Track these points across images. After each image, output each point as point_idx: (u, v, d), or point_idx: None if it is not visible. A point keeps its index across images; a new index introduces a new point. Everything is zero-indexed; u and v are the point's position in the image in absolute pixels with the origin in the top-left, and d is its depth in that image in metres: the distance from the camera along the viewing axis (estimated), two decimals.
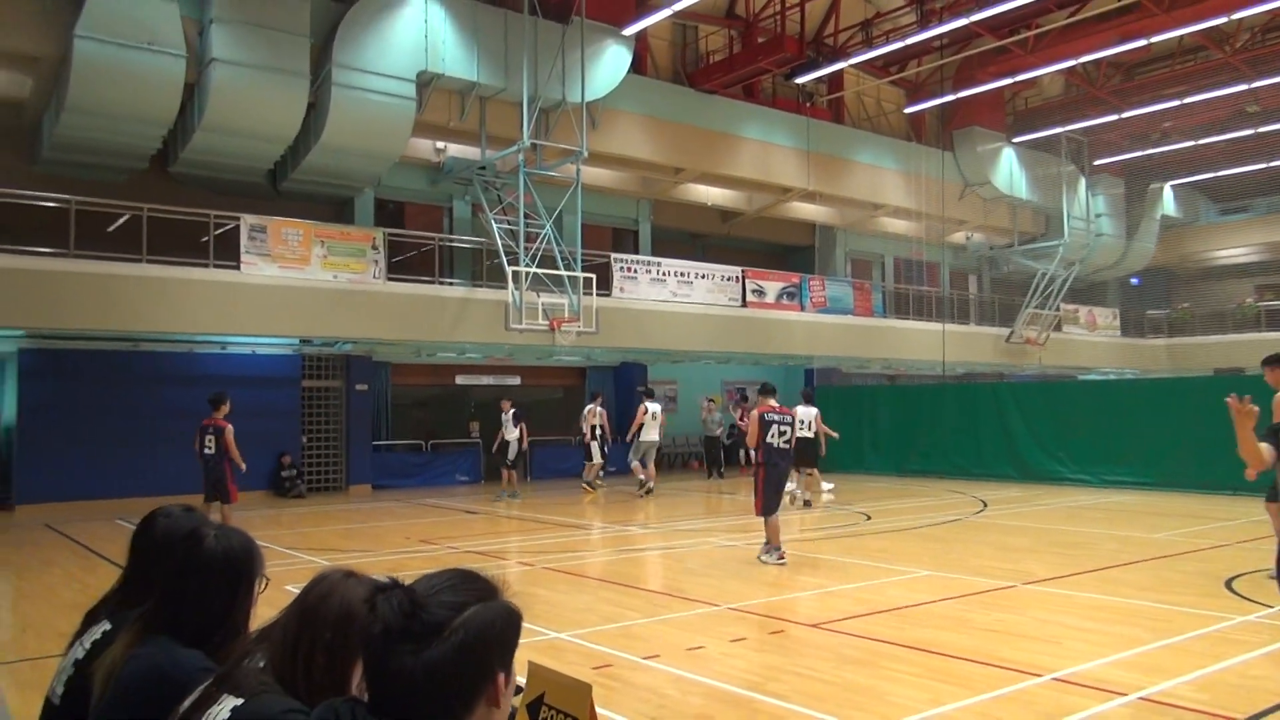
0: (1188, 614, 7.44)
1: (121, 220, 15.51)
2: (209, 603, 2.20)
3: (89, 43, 14.17)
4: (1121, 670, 5.87)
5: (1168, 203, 32.61)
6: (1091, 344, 30.46)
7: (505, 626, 1.51)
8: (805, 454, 14.92)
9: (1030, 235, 29.81)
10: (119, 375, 17.06)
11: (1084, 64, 24.30)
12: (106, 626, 2.56)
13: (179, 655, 2.10)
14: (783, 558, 10.04)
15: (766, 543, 10.22)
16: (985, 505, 15.68)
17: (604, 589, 9.00)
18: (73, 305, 14.32)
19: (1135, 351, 31.78)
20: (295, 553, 11.17)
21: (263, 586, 2.32)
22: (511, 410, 17.62)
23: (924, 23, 21.83)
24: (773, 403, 10.58)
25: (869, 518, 14.24)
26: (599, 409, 19.09)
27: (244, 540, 2.32)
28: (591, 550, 11.90)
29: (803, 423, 15.06)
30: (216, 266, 15.61)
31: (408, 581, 1.53)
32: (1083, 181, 29.04)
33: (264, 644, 1.96)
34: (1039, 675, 5.74)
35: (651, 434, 17.97)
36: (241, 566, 2.26)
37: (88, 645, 2.53)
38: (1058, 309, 28.05)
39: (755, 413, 10.57)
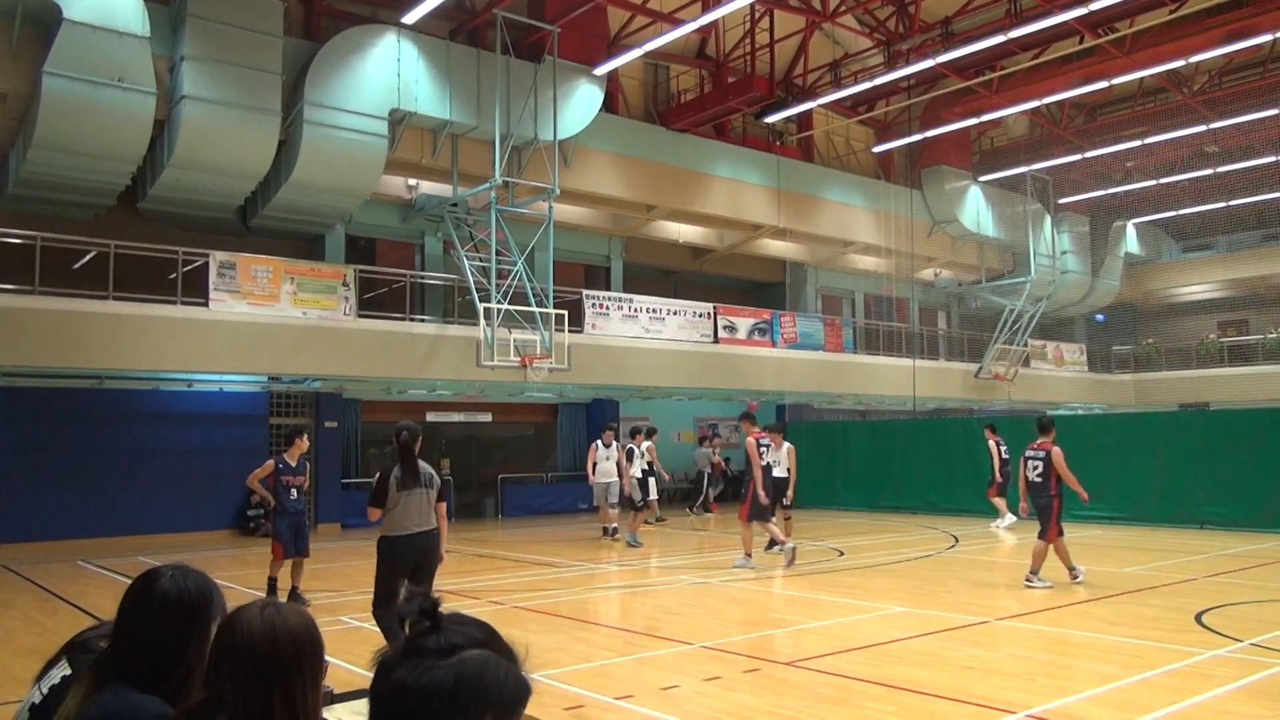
0: (1160, 649, 7.46)
1: (88, 257, 15.34)
2: (161, 643, 2.14)
3: (58, 79, 14.08)
4: (1095, 707, 5.86)
5: (1131, 240, 33.21)
6: (1059, 379, 30.81)
7: (513, 689, 1.38)
8: (780, 493, 14.00)
9: (998, 272, 30.21)
10: (83, 414, 16.79)
11: (1048, 105, 24.82)
12: (66, 671, 2.48)
13: (135, 701, 2.04)
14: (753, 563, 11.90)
15: (746, 554, 12.06)
16: (957, 540, 15.72)
17: (578, 628, 8.90)
18: (37, 343, 14.10)
19: (1102, 387, 32.17)
20: (259, 593, 10.95)
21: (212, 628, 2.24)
22: (615, 442, 16.34)
23: (891, 64, 22.21)
24: (758, 429, 12.44)
25: (842, 554, 14.22)
26: (649, 444, 17.28)
27: (201, 580, 2.26)
28: (565, 589, 11.78)
29: (776, 462, 14.36)
30: (185, 304, 15.45)
31: None
32: (1048, 219, 29.52)
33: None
34: (1013, 712, 5.72)
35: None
36: (195, 606, 2.20)
37: (45, 690, 2.45)
38: (1025, 345, 28.37)
39: (750, 440, 12.56)
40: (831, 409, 28.13)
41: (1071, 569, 10.66)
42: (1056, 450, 10.66)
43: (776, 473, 14.38)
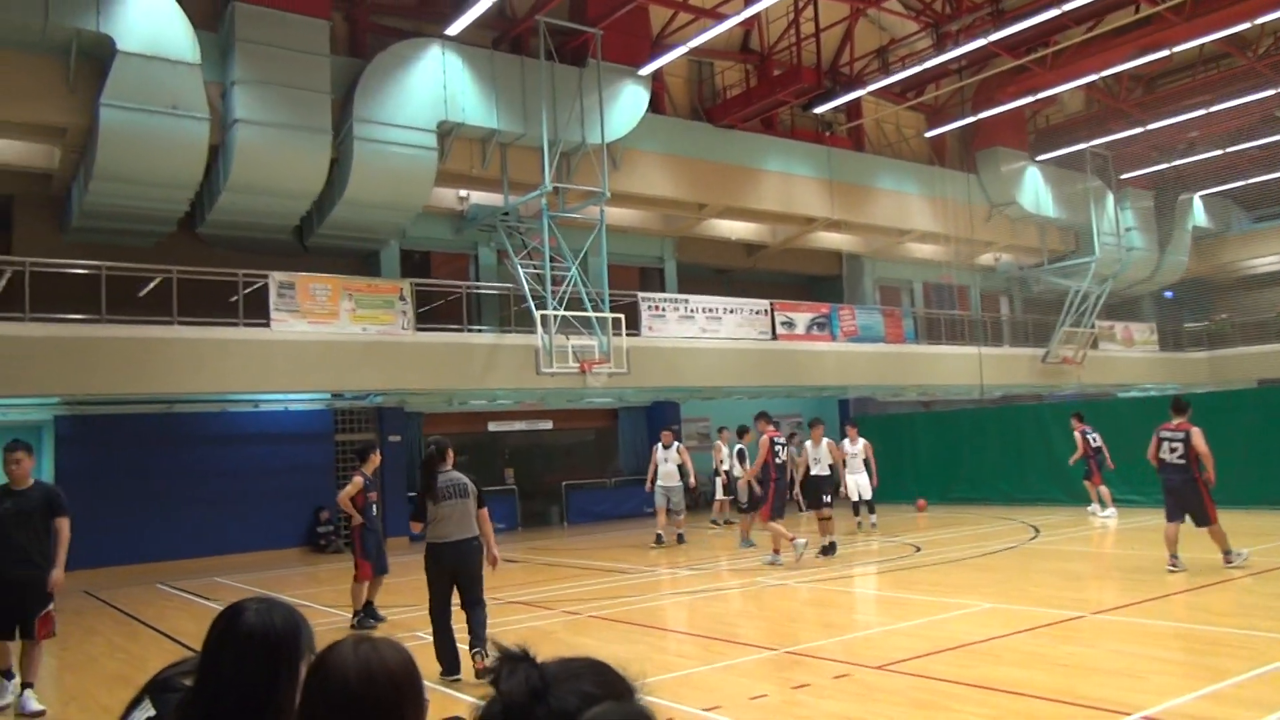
0: (1274, 640, 7.04)
1: (152, 284, 15.57)
2: (248, 683, 2.00)
3: (114, 110, 14.32)
4: (1216, 705, 5.52)
5: (1198, 213, 32.14)
6: (1130, 360, 29.90)
7: None
8: (816, 491, 13.82)
9: (1060, 253, 29.43)
10: (153, 438, 17.05)
11: (1105, 78, 24.06)
12: (150, 712, 2.35)
13: None
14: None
15: (775, 550, 12.49)
16: (1038, 531, 15.24)
17: (655, 636, 8.72)
18: (106, 370, 14.32)
19: (1175, 366, 31.15)
20: (336, 610, 10.95)
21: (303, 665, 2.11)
22: (676, 443, 15.89)
23: (940, 46, 21.73)
24: (773, 429, 12.86)
25: (919, 549, 13.85)
26: (741, 446, 17.13)
27: (287, 614, 2.12)
28: (636, 595, 11.61)
29: (815, 459, 14.09)
30: (247, 325, 15.60)
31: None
32: (1110, 196, 28.69)
33: None
34: (1126, 714, 5.40)
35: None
36: (282, 642, 2.05)
37: None
38: (1093, 326, 27.57)
39: (765, 438, 12.59)
40: (895, 401, 27.61)
41: (1227, 552, 10.19)
42: (1196, 430, 10.16)
43: (816, 470, 14.11)
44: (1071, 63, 22.34)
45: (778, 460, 12.63)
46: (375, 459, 10.29)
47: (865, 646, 7.75)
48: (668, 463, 15.77)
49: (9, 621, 6.96)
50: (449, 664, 7.40)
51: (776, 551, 12.71)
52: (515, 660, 1.31)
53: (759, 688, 6.50)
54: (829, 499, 13.79)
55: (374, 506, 10.24)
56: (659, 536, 15.61)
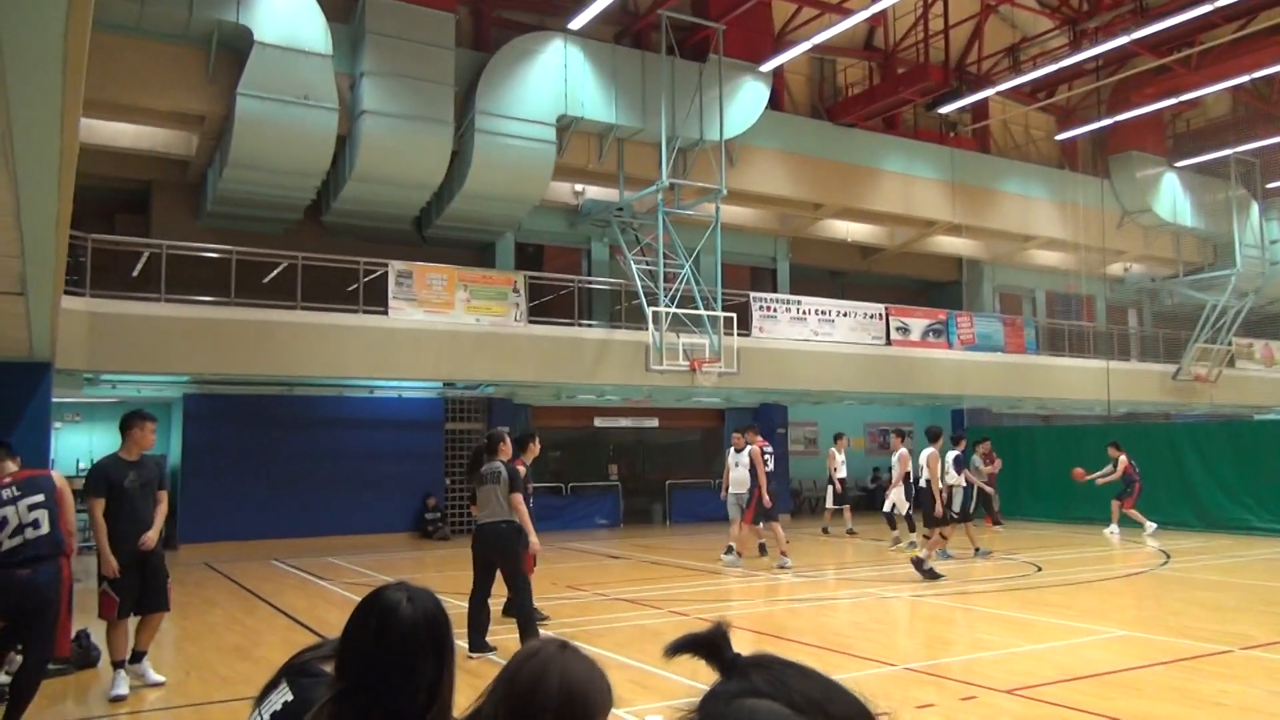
0: None
1: (278, 270, 16.05)
2: (417, 679, 1.88)
3: (250, 100, 14.79)
4: None
5: None
6: (1269, 380, 28.11)
7: None
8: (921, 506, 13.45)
9: (1196, 265, 27.89)
10: (273, 419, 17.57)
11: (1254, 80, 22.65)
12: (288, 696, 2.25)
13: None
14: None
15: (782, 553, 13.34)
16: (1169, 557, 14.38)
17: (767, 645, 8.46)
18: (233, 351, 14.81)
19: None
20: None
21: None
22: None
23: (1075, 45, 20.79)
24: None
25: (1040, 569, 13.22)
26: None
27: (435, 601, 2.01)
28: (743, 600, 11.37)
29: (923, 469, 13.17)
30: (366, 312, 15.93)
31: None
32: (1255, 206, 27.04)
33: None
34: None
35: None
36: (444, 631, 1.95)
37: (266, 716, 2.24)
38: (1229, 343, 26.02)
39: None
40: (1011, 414, 26.58)
41: None
42: None
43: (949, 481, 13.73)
44: (1219, 63, 21.13)
45: (766, 469, 13.55)
46: (534, 448, 9.64)
47: (992, 668, 7.34)
48: (739, 468, 14.07)
49: (133, 597, 6.92)
50: (470, 640, 7.80)
51: (784, 554, 13.44)
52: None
53: (881, 706, 6.19)
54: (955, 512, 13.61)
55: (530, 498, 9.52)
56: (730, 547, 14.12)
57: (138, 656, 7.16)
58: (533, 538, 8.05)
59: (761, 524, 13.78)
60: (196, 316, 14.68)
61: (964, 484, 14.19)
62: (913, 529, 15.72)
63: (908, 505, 15.45)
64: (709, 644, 1.16)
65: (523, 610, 8.00)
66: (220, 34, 14.93)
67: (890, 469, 16.07)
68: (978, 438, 18.22)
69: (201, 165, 17.06)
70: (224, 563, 14.74)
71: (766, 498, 13.35)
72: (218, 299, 15.05)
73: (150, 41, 14.75)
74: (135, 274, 15.32)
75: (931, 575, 11.86)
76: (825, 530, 18.67)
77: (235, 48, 15.12)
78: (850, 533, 18.14)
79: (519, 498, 7.98)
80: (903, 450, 15.34)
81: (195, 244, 15.67)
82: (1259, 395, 27.54)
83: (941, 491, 12.99)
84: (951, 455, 14.14)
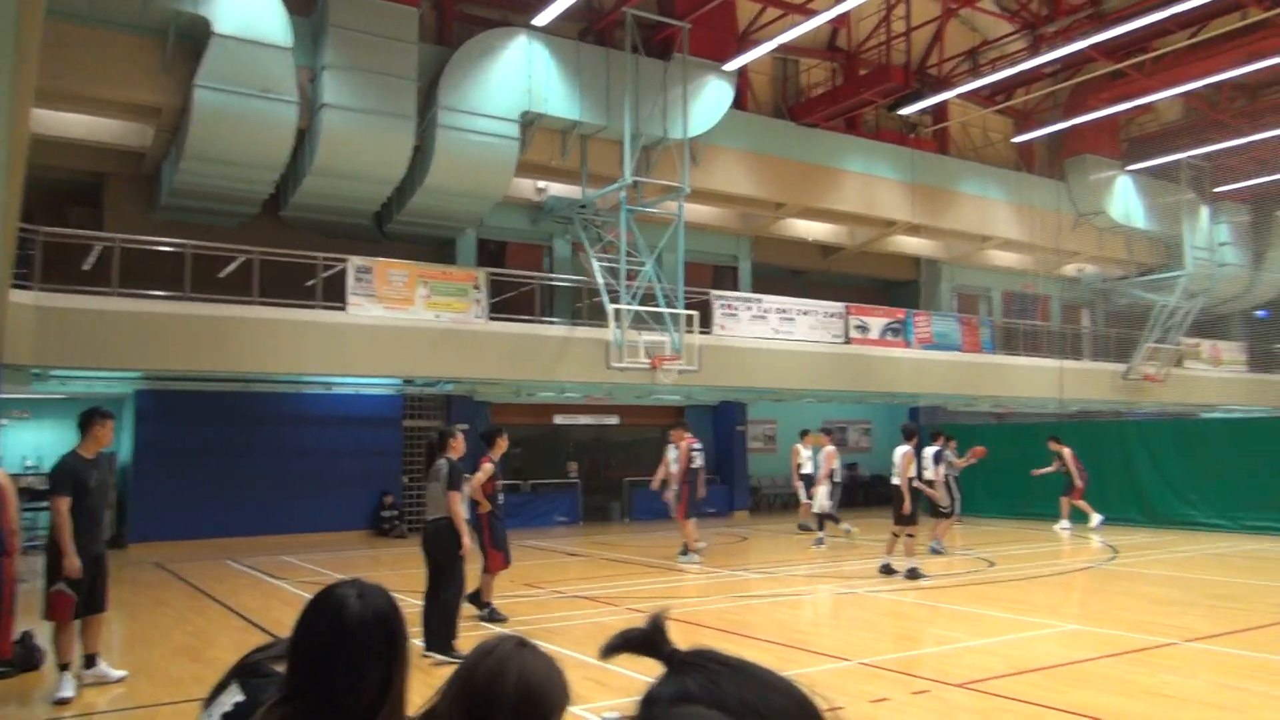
0: None
1: (234, 264, 15.83)
2: (366, 677, 1.87)
3: (208, 92, 14.58)
4: None
5: None
6: (1216, 380, 28.75)
7: None
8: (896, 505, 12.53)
9: (1148, 266, 28.43)
10: (228, 416, 17.35)
11: (1206, 86, 23.14)
12: (239, 697, 2.24)
13: None
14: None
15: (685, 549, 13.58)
16: (1116, 552, 14.68)
17: (723, 640, 8.52)
18: (187, 347, 14.60)
19: (1264, 387, 29.86)
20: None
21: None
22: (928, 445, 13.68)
23: (1034, 49, 21.10)
24: (689, 435, 14.05)
25: (992, 564, 13.43)
26: (831, 449, 16.04)
27: (387, 597, 2.00)
28: (702, 597, 11.43)
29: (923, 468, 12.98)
30: (324, 308, 15.78)
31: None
32: (1205, 209, 27.62)
33: None
34: None
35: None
36: (396, 628, 1.93)
37: (217, 717, 2.22)
38: (1179, 343, 26.58)
39: (683, 445, 13.76)
40: (967, 412, 26.95)
41: None
42: None
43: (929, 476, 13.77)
44: (1172, 69, 21.55)
45: (692, 466, 13.84)
46: (502, 443, 9.57)
47: (945, 662, 7.47)
48: (676, 465, 14.09)
49: (83, 599, 6.81)
50: (425, 639, 7.71)
51: (690, 550, 13.69)
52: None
53: (835, 700, 6.27)
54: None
55: (500, 495, 9.69)
56: (686, 549, 14.02)
57: (91, 660, 7.07)
58: (465, 538, 7.89)
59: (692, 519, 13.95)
60: (150, 311, 14.44)
61: (944, 479, 14.09)
62: (822, 526, 15.77)
63: (829, 503, 15.49)
64: (645, 641, 1.13)
65: (446, 610, 7.74)
66: (178, 24, 14.69)
67: (816, 466, 16.26)
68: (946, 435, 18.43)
69: (157, 157, 16.79)
70: (176, 562, 14.53)
71: (670, 493, 13.98)
72: (172, 294, 14.81)
73: (105, 31, 14.49)
74: (87, 268, 15.05)
75: (910, 574, 11.73)
76: (803, 528, 18.66)
77: (193, 38, 14.89)
78: (804, 528, 18.26)
79: (455, 496, 7.88)
80: (830, 448, 15.40)
81: (149, 237, 15.40)
82: (1206, 394, 28.14)
83: (925, 487, 12.73)
84: (931, 451, 14.23)
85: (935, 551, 14.12)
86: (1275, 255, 30.20)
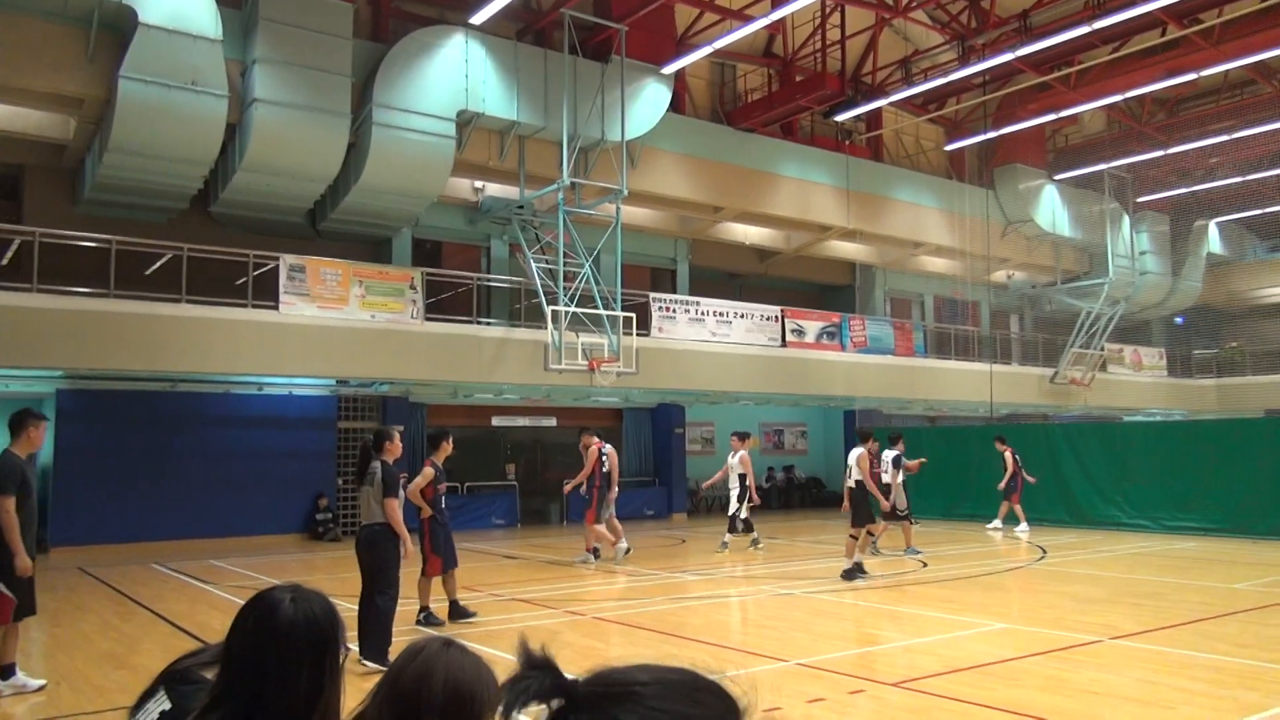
0: None
1: (162, 261, 15.40)
2: (295, 682, 1.81)
3: (133, 83, 14.14)
4: None
5: (1213, 240, 31.94)
6: (1137, 384, 29.71)
7: None
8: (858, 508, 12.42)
9: (1073, 274, 29.26)
10: (155, 417, 16.87)
11: (1127, 100, 23.91)
12: (165, 705, 2.15)
13: None
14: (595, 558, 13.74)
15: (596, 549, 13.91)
16: (1045, 552, 15.04)
17: (662, 642, 8.53)
18: (111, 346, 14.15)
19: (1182, 392, 30.97)
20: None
21: (343, 658, 1.94)
22: (885, 449, 14.31)
23: (964, 60, 21.55)
24: (598, 440, 14.17)
25: (926, 565, 13.67)
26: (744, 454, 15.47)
27: (325, 603, 1.94)
28: (643, 599, 11.42)
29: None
30: (255, 307, 15.42)
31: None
32: (1126, 218, 28.52)
33: None
34: None
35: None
36: (329, 635, 1.88)
37: None
38: (1102, 349, 27.40)
39: (594, 449, 13.95)
40: (901, 414, 27.42)
41: None
42: None
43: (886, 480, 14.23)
44: (1095, 82, 22.20)
45: (603, 470, 13.95)
46: (447, 447, 9.46)
47: (879, 662, 7.57)
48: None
49: (24, 598, 6.69)
50: (360, 645, 7.52)
51: (590, 551, 14.00)
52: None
53: (772, 700, 6.31)
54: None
55: (443, 499, 9.52)
56: (595, 551, 14.17)
57: (8, 671, 6.80)
58: (406, 543, 7.75)
59: (601, 523, 14.00)
60: (72, 308, 13.96)
61: (900, 483, 14.64)
62: (734, 530, 15.30)
63: (739, 506, 15.32)
64: (548, 687, 1.05)
65: (381, 616, 7.56)
66: (101, 13, 14.23)
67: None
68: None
69: (80, 150, 16.25)
70: (100, 567, 14.07)
71: (577, 488, 14.34)
72: (95, 290, 14.35)
73: (25, 18, 13.97)
74: (4, 262, 14.50)
75: (855, 571, 11.85)
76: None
77: (118, 28, 14.46)
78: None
79: (393, 502, 7.65)
80: (743, 452, 15.27)
81: (71, 232, 14.89)
82: (1128, 398, 29.05)
83: (875, 489, 12.71)
84: (890, 455, 14.52)
85: (914, 554, 14.48)
86: (1193, 263, 31.31)
